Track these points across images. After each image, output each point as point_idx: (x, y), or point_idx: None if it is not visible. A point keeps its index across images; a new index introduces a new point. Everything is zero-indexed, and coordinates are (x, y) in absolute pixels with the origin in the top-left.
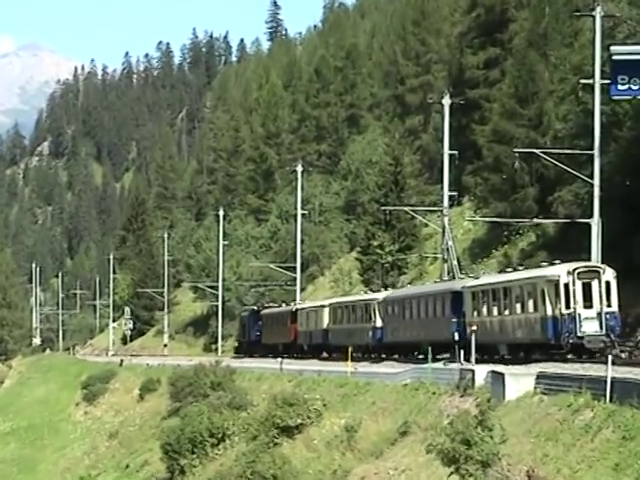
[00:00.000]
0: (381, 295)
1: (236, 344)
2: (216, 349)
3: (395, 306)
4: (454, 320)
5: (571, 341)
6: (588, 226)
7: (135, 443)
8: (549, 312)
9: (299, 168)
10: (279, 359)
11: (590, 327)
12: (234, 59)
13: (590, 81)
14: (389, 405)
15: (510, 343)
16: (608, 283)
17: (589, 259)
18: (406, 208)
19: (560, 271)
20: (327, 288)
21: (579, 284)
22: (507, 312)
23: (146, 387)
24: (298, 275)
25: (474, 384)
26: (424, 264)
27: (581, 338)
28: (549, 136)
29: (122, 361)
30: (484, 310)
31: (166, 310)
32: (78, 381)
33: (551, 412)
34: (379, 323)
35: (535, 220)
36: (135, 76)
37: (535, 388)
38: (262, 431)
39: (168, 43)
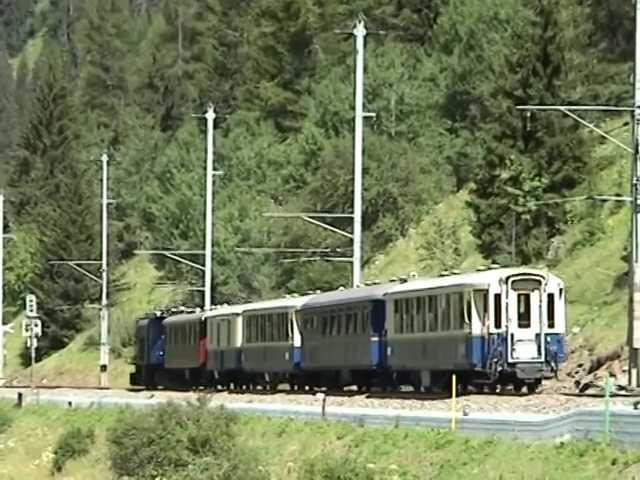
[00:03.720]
0: (299, 301)
1: (133, 369)
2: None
3: (315, 318)
4: (375, 339)
5: (500, 368)
6: None
7: None
8: (476, 331)
9: (359, 30)
10: (319, 395)
11: (525, 352)
12: None
13: None
14: None
15: (433, 369)
16: (551, 296)
17: None
18: (563, 108)
19: (490, 278)
20: (412, 260)
21: (514, 296)
22: (431, 329)
23: (67, 447)
24: (357, 234)
25: None
26: (598, 214)
27: (513, 365)
28: None
29: (21, 397)
30: (407, 326)
31: (104, 301)
32: None
33: None
34: (297, 342)
35: None
36: None
37: None
38: None
39: None
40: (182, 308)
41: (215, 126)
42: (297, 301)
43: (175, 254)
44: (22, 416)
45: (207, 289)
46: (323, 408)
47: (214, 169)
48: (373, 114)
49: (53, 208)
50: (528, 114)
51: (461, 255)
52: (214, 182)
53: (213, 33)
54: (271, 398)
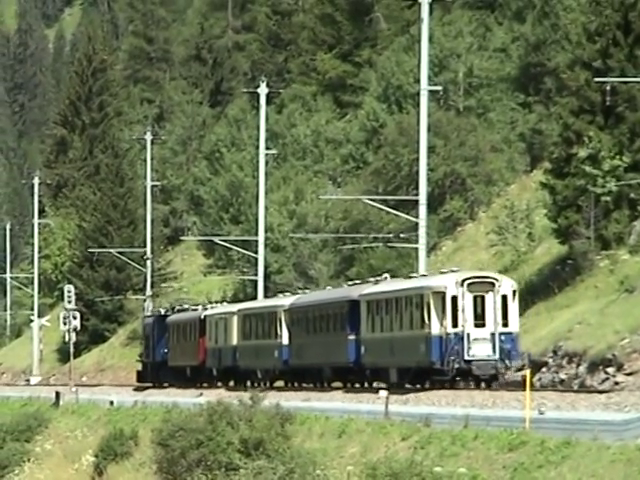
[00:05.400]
0: (288, 300)
1: (140, 367)
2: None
3: (301, 317)
4: (351, 338)
5: (457, 366)
6: None
7: None
8: (435, 330)
9: None
10: (382, 393)
11: (481, 350)
12: None
13: None
14: None
15: (400, 367)
16: (505, 297)
17: None
18: None
19: (447, 281)
20: (482, 246)
21: (469, 297)
22: (397, 329)
23: (109, 450)
24: (423, 218)
25: None
26: None
27: (469, 362)
28: None
29: (59, 396)
30: (378, 326)
31: (149, 290)
32: None
33: None
34: (285, 339)
35: None
36: None
37: None
38: None
39: None
40: (186, 306)
41: (268, 102)
42: (286, 300)
43: (225, 240)
44: (60, 416)
45: (260, 278)
46: (386, 407)
47: (267, 148)
48: (439, 88)
49: (93, 191)
50: (608, 87)
51: (535, 240)
52: (267, 162)
53: (266, 0)
54: (329, 396)
